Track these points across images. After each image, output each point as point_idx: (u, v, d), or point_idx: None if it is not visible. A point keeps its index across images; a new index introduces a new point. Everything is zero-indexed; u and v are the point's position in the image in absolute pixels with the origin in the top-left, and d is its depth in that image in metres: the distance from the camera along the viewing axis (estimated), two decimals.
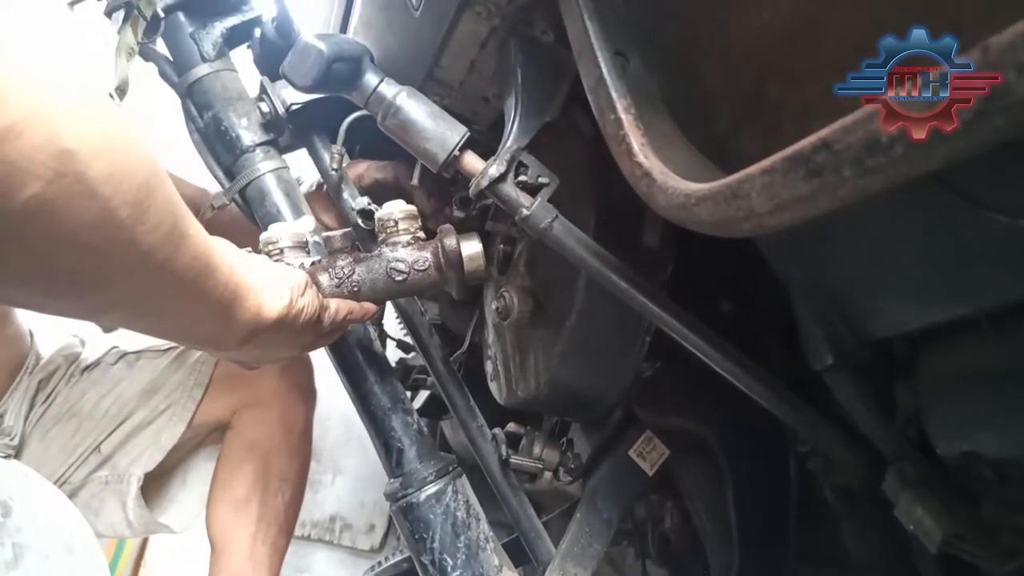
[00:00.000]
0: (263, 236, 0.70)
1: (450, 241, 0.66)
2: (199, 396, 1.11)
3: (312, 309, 0.60)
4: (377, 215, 0.71)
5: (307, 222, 0.72)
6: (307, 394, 1.19)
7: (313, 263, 0.69)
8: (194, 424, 1.11)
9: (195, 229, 0.44)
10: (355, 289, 0.68)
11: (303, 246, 0.70)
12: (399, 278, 0.68)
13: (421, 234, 0.70)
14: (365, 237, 0.82)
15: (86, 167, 0.33)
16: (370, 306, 0.69)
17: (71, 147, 0.33)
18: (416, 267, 0.68)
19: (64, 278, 0.37)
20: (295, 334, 0.59)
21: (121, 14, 0.84)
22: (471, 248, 0.67)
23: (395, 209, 0.70)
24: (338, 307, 0.65)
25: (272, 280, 0.57)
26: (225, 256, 0.49)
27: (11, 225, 0.32)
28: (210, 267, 0.46)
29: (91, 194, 0.34)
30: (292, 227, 0.70)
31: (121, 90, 0.83)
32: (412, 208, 0.71)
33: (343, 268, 0.68)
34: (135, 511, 1.09)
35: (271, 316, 0.55)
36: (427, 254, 0.68)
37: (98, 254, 0.37)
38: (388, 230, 0.70)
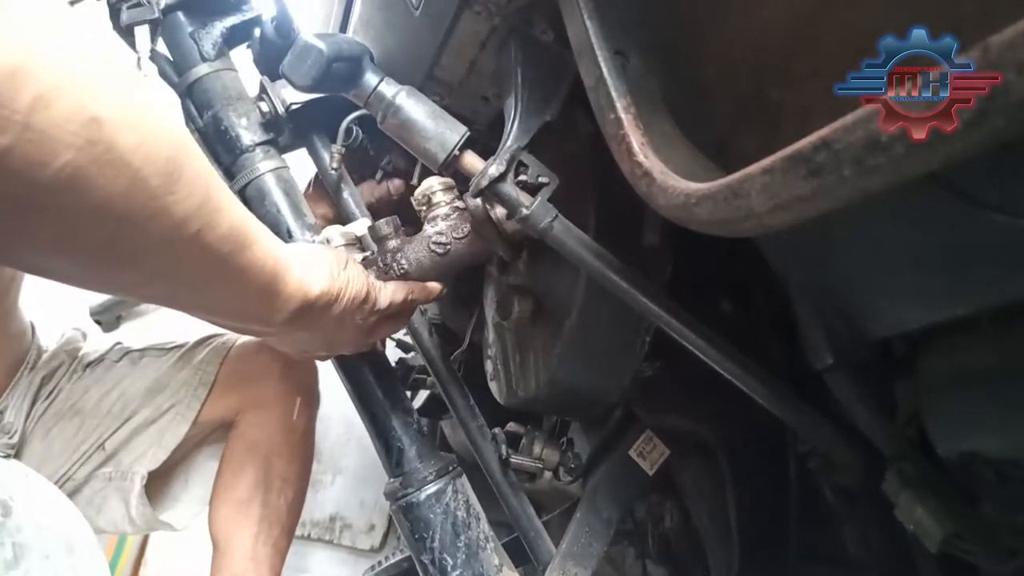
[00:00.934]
0: (317, 239, 0.72)
1: (474, 200, 0.64)
2: (204, 396, 1.12)
3: (357, 286, 0.59)
4: (415, 193, 0.70)
5: (361, 224, 0.72)
6: (310, 396, 1.19)
7: (365, 257, 0.69)
8: (198, 423, 1.11)
9: (230, 203, 0.44)
10: (403, 272, 0.67)
11: (355, 243, 0.70)
12: (441, 251, 0.67)
13: (460, 203, 0.69)
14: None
15: (115, 136, 0.34)
16: (434, 285, 0.68)
17: (100, 115, 0.33)
18: (456, 236, 0.67)
19: (99, 249, 0.38)
20: (345, 313, 0.59)
21: (146, 29, 0.84)
22: None
23: (432, 183, 0.69)
24: (395, 289, 0.65)
25: (311, 258, 0.57)
26: (262, 232, 0.49)
27: (45, 194, 0.33)
28: (246, 241, 0.46)
29: (121, 163, 0.35)
30: (344, 228, 0.71)
31: None
32: (448, 180, 0.70)
33: (388, 254, 0.68)
34: (138, 508, 1.10)
35: (313, 292, 0.55)
36: (464, 222, 0.67)
37: (131, 224, 0.37)
38: (426, 206, 0.69)
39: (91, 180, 0.34)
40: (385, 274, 0.67)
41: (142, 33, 0.85)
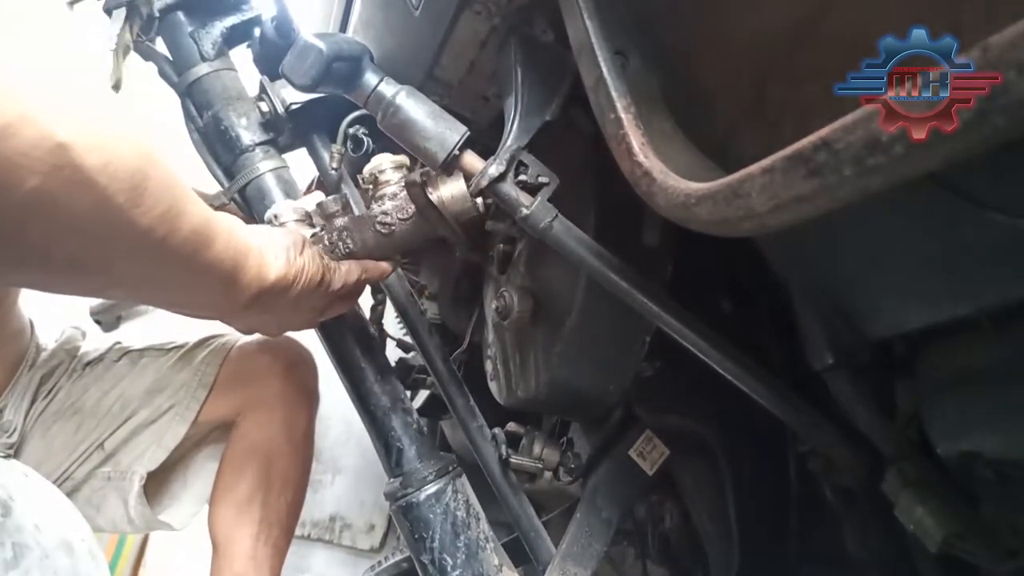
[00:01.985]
0: (267, 214, 0.71)
1: (412, 178, 0.62)
2: (203, 397, 1.12)
3: (313, 268, 0.61)
4: (363, 171, 0.69)
5: (312, 198, 0.72)
6: (311, 397, 1.19)
7: (314, 234, 0.69)
8: (197, 423, 1.12)
9: (192, 205, 0.45)
10: (348, 251, 0.67)
11: (305, 219, 0.70)
12: (386, 231, 0.66)
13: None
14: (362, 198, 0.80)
15: (82, 159, 0.35)
16: (384, 265, 0.69)
17: (65, 141, 0.34)
18: (400, 216, 0.65)
19: (67, 263, 0.40)
20: (300, 296, 0.60)
21: (123, 12, 0.84)
22: (452, 188, 0.62)
23: (383, 160, 0.68)
24: (349, 268, 0.65)
25: (269, 242, 0.58)
26: (223, 226, 0.50)
27: (12, 216, 0.34)
28: (209, 239, 0.48)
29: (89, 183, 0.36)
30: (295, 203, 0.71)
31: (116, 87, 0.84)
32: (401, 158, 0.69)
33: (335, 232, 0.67)
34: (136, 508, 1.10)
35: (271, 277, 0.56)
36: (410, 202, 0.65)
37: (98, 238, 0.39)
38: (372, 185, 0.68)
39: (59, 202, 0.35)
40: (331, 252, 0.67)
41: (118, 16, 0.84)
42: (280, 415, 1.13)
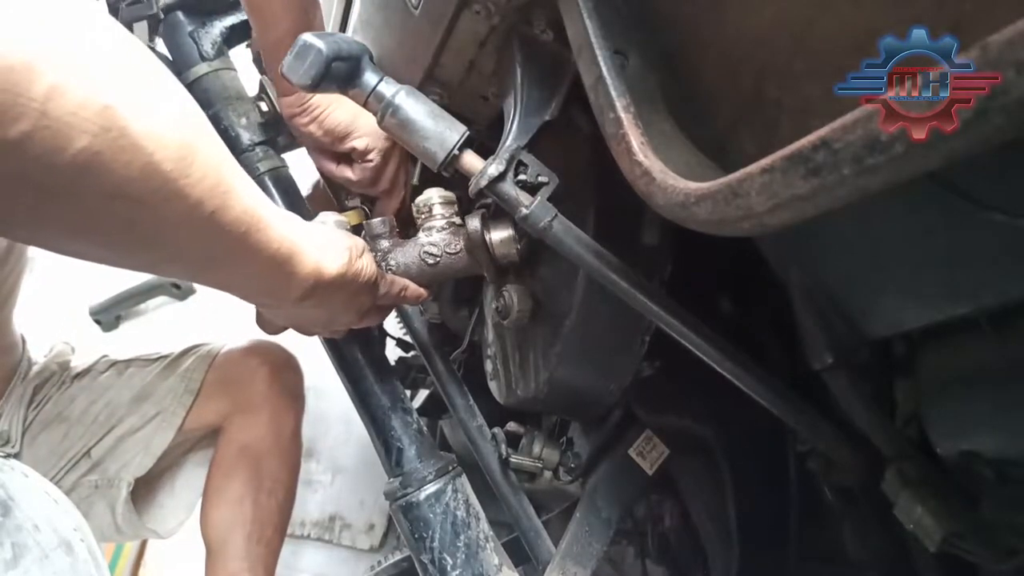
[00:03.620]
0: (316, 220, 0.74)
1: (474, 223, 0.68)
2: (189, 403, 1.12)
3: (370, 271, 0.63)
4: (416, 201, 0.74)
5: (356, 214, 0.74)
6: (297, 400, 1.21)
7: None
8: (184, 430, 1.12)
9: (243, 185, 0.45)
10: (388, 272, 0.71)
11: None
12: (431, 261, 0.70)
13: (457, 219, 0.73)
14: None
15: (128, 122, 0.35)
16: (422, 290, 0.72)
17: (113, 103, 0.34)
18: (448, 251, 0.70)
19: (118, 231, 0.40)
20: (353, 294, 0.63)
21: (144, 25, 0.85)
22: (501, 233, 0.69)
23: (433, 195, 0.73)
24: (394, 280, 0.69)
25: (332, 240, 0.60)
26: (278, 213, 0.51)
27: (64, 178, 0.34)
28: (261, 222, 0.48)
29: (135, 148, 0.36)
30: (339, 216, 0.73)
31: None
32: (449, 194, 0.73)
33: (379, 253, 0.71)
34: (124, 516, 1.10)
35: (331, 272, 0.58)
36: (459, 238, 0.71)
37: (147, 206, 0.38)
38: (424, 215, 0.72)
39: (107, 164, 0.35)
40: None
41: (140, 29, 0.85)
42: (267, 418, 1.14)
